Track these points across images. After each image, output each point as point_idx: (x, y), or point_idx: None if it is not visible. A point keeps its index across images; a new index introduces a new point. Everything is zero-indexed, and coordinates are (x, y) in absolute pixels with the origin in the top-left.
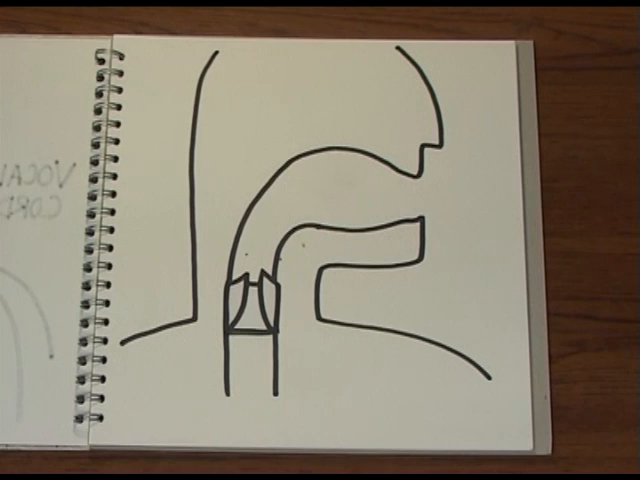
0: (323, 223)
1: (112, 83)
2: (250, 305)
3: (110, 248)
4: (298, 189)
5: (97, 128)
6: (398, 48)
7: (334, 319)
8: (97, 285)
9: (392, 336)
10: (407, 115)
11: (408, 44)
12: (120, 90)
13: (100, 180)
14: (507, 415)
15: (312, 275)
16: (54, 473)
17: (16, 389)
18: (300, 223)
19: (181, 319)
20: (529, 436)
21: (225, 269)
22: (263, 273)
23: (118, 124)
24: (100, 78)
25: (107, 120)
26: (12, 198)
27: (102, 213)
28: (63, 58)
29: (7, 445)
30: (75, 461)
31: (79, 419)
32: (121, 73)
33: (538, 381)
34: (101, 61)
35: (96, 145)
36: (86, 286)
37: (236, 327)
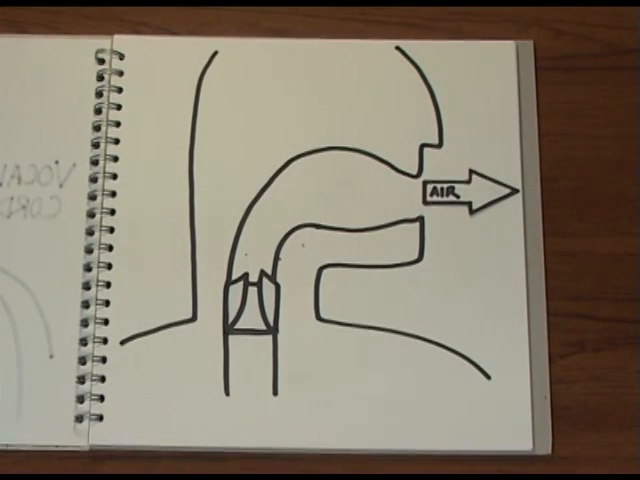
0: (323, 223)
1: (112, 83)
2: (250, 305)
3: (110, 248)
4: (298, 189)
5: (97, 128)
6: (398, 48)
7: (334, 319)
8: (97, 285)
9: (392, 336)
10: (407, 115)
11: (408, 44)
12: (120, 90)
13: (100, 180)
14: (507, 415)
15: (312, 275)
16: (54, 473)
17: (16, 389)
18: (300, 223)
19: (181, 319)
20: (529, 436)
21: (225, 269)
22: (263, 273)
23: (118, 124)
24: (100, 78)
25: (107, 120)
26: (12, 198)
27: (102, 213)
28: (63, 58)
29: (7, 445)
30: (75, 461)
31: (79, 419)
32: (121, 73)
33: (538, 381)
34: (101, 61)
35: (96, 145)
36: (86, 286)
37: (236, 327)
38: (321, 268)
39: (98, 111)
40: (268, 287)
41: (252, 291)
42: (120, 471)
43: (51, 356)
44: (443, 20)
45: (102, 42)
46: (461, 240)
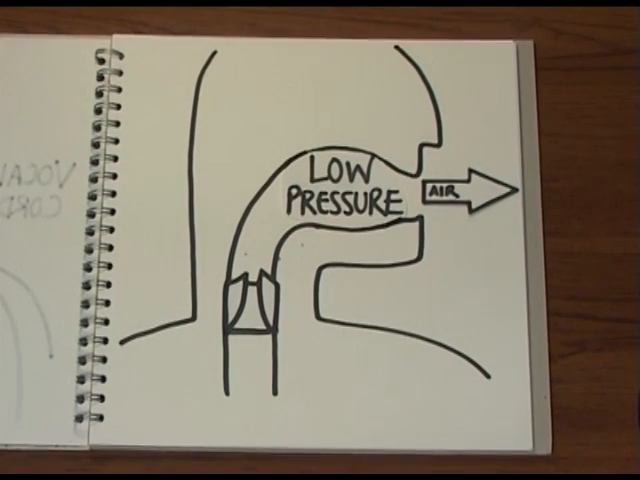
0: (322, 222)
1: (112, 83)
2: (249, 305)
3: (110, 248)
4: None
5: (97, 128)
6: (397, 48)
7: (333, 318)
8: (97, 285)
9: (391, 335)
10: (406, 114)
11: (407, 44)
12: (120, 90)
13: (100, 180)
14: (507, 415)
15: (311, 274)
16: (54, 473)
17: (16, 389)
18: (299, 222)
19: (180, 319)
20: (529, 436)
21: (224, 269)
22: (262, 273)
23: (118, 124)
24: (100, 78)
25: (107, 120)
26: (12, 198)
27: (102, 213)
28: (63, 58)
29: (7, 445)
30: (75, 461)
31: (79, 419)
32: (120, 73)
33: (538, 381)
34: (101, 61)
35: (96, 145)
36: (86, 286)
37: (235, 327)
38: (321, 268)
39: (98, 111)
40: (268, 287)
41: (252, 291)
42: (120, 471)
43: (51, 356)
44: (443, 20)
45: (102, 42)
46: (460, 239)
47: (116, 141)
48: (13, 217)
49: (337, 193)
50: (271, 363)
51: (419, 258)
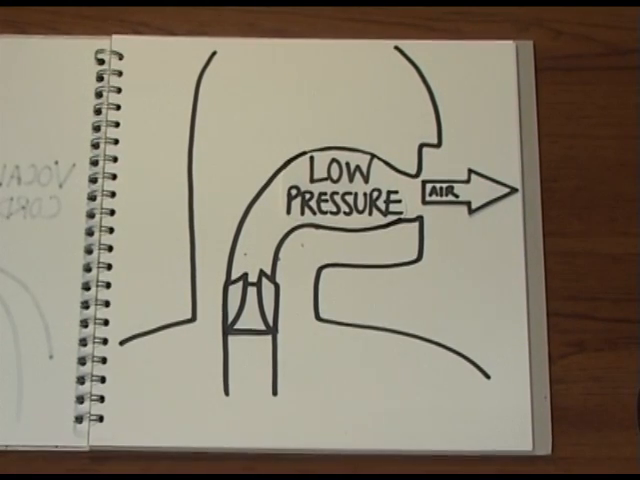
0: (322, 223)
1: (111, 83)
2: (249, 305)
3: (110, 248)
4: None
5: (97, 128)
6: (397, 48)
7: (333, 319)
8: (97, 285)
9: (391, 336)
10: (406, 115)
11: (406, 44)
12: (119, 90)
13: (100, 180)
14: (507, 415)
15: (311, 275)
16: (54, 473)
17: (16, 389)
18: (299, 223)
19: (180, 319)
20: (529, 436)
21: (224, 269)
22: (262, 273)
23: (117, 124)
24: (100, 78)
25: (107, 120)
26: (12, 198)
27: (102, 213)
28: (63, 58)
29: (7, 445)
30: (75, 461)
31: (79, 419)
32: (120, 73)
33: (538, 381)
34: (101, 61)
35: (96, 145)
36: (86, 286)
37: (235, 327)
38: (320, 268)
39: (98, 111)
40: (267, 287)
41: (251, 291)
42: (120, 471)
43: (51, 356)
44: (443, 20)
45: (102, 42)
46: (460, 240)
47: (116, 142)
48: (13, 218)
49: (337, 193)
50: (271, 363)
51: (419, 258)
